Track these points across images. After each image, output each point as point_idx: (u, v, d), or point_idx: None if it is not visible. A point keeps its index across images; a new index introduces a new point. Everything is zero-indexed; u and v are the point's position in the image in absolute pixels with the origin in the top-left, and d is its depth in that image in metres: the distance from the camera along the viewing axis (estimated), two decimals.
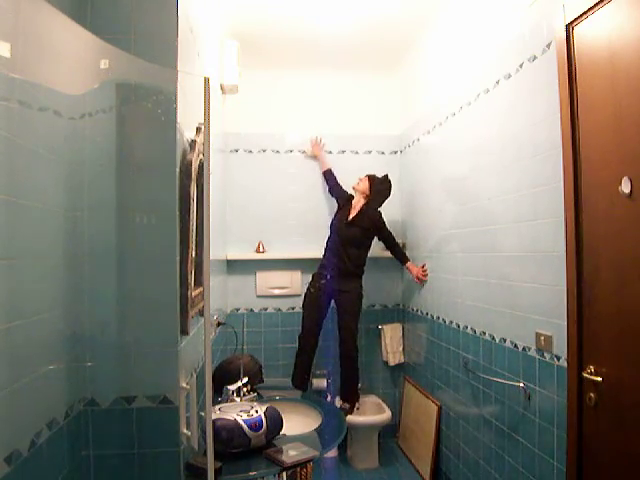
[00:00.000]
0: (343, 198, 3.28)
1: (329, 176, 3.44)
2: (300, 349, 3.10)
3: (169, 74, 1.37)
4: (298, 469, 2.28)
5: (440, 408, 2.80)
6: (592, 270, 1.53)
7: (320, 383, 3.31)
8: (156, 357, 1.35)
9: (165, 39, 1.37)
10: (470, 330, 2.42)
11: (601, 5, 1.45)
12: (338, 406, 2.99)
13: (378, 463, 3.12)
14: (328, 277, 3.07)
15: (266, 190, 3.51)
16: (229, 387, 2.06)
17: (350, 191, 3.27)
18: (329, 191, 3.45)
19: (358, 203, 3.14)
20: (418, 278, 3.12)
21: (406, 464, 3.10)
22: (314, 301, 3.10)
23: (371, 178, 3.14)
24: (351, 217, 3.10)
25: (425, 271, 3.04)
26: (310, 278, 3.22)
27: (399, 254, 3.24)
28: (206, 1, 2.09)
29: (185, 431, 1.39)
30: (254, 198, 3.49)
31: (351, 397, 3.08)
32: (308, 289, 3.16)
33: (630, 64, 1.35)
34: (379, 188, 3.12)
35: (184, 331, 1.40)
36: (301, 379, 3.05)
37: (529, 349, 1.88)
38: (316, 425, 2.00)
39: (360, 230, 3.07)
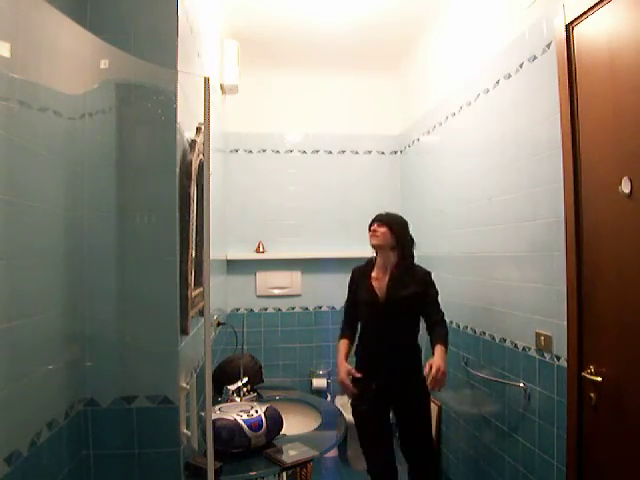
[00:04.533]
0: (357, 279, 2.28)
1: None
2: None
3: (169, 74, 1.37)
4: (298, 469, 2.28)
5: (440, 408, 2.80)
6: (592, 270, 1.53)
7: (320, 383, 3.31)
8: (156, 357, 1.35)
9: (165, 39, 1.37)
10: (470, 330, 2.42)
11: (601, 5, 1.45)
12: None
13: None
14: (381, 379, 2.12)
15: (266, 190, 3.51)
16: (229, 387, 2.07)
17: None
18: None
19: (387, 262, 2.18)
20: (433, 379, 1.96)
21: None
22: (371, 416, 2.16)
23: (384, 221, 2.17)
24: (387, 283, 2.14)
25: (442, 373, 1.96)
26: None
27: (438, 332, 2.11)
28: (206, 1, 2.09)
29: (185, 431, 1.39)
30: (254, 198, 3.49)
31: None
32: (355, 405, 2.19)
33: (630, 64, 1.35)
34: (399, 226, 2.20)
35: (184, 331, 1.40)
36: None
37: (529, 349, 1.88)
38: (316, 425, 2.00)
39: (407, 295, 2.11)
